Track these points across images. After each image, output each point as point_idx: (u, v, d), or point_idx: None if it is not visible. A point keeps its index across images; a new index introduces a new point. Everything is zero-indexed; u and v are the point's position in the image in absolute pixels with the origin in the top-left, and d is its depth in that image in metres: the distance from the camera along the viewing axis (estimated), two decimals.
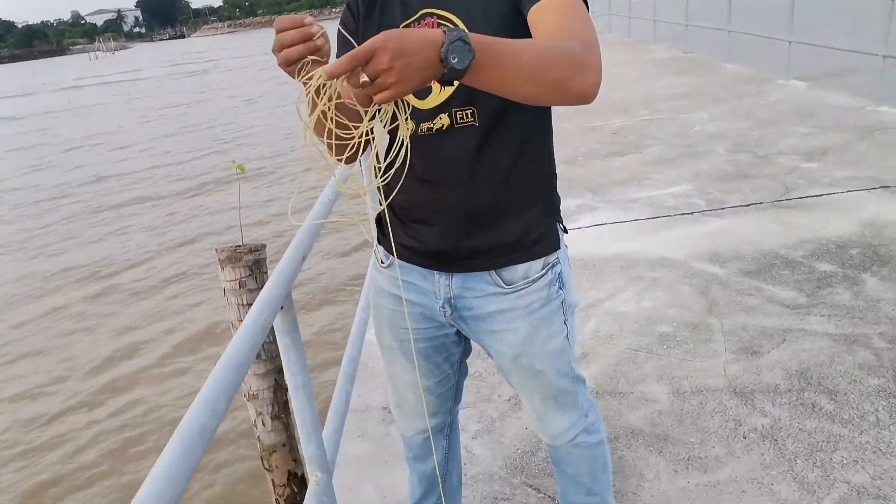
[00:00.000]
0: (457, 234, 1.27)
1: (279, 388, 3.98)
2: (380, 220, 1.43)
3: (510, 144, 1.23)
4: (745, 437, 2.09)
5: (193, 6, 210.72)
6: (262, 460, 3.14)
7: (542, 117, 1.28)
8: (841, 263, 3.08)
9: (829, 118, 5.64)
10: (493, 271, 1.30)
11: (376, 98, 0.86)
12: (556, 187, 1.35)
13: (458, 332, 1.46)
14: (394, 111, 0.96)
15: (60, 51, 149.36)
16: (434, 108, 1.20)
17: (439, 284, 1.33)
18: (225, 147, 14.56)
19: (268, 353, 3.82)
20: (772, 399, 2.24)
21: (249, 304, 3.70)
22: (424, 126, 1.21)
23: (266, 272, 3.84)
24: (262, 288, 4.03)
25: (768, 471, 1.94)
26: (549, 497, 1.98)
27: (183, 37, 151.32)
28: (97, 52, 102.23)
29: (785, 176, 4.35)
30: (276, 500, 3.19)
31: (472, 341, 1.51)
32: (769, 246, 3.35)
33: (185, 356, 5.65)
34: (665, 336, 2.70)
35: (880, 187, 3.93)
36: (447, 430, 1.69)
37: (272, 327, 1.40)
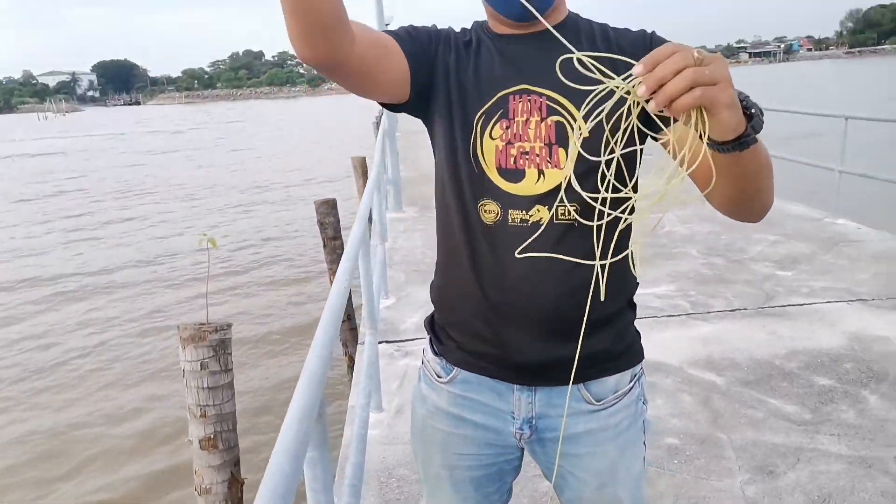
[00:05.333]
0: (547, 342, 1.10)
1: (234, 483, 3.61)
2: (433, 324, 1.26)
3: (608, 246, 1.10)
4: None
5: (151, 75, 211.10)
6: None
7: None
8: (838, 378, 3.05)
9: (791, 227, 5.84)
10: (582, 385, 1.14)
11: (694, 97, 0.75)
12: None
13: (520, 457, 1.27)
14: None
15: (8, 110, 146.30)
16: (531, 196, 1.05)
17: (520, 402, 1.15)
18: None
19: (225, 443, 3.47)
20: None
21: (210, 388, 3.39)
22: (516, 216, 1.06)
23: (230, 353, 3.55)
24: (225, 370, 3.71)
25: None
26: None
27: (138, 104, 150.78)
28: (46, 113, 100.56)
29: (762, 283, 4.41)
30: None
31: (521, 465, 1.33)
32: (762, 355, 3.31)
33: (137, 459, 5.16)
34: (674, 449, 2.56)
35: (857, 300, 4.01)
36: None
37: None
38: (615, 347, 1.15)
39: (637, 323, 1.22)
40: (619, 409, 1.17)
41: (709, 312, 3.91)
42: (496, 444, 1.21)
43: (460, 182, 1.09)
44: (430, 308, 1.26)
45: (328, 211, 7.60)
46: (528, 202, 1.05)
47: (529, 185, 1.05)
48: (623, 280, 1.14)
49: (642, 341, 1.23)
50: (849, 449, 2.49)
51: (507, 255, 1.08)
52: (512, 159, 1.06)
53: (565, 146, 1.03)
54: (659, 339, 3.47)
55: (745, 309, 3.94)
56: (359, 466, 1.87)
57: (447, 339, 1.20)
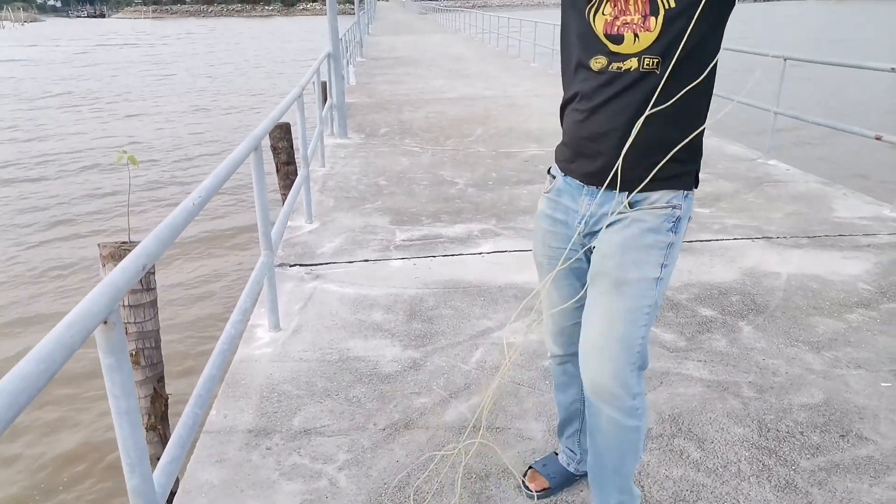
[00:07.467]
0: (615, 161, 1.46)
1: (158, 398, 3.69)
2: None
3: (677, 95, 1.39)
4: None
5: None
6: None
7: (708, 79, 1.42)
8: (721, 309, 3.18)
9: (723, 167, 5.93)
10: (626, 195, 1.49)
11: None
12: (701, 143, 1.53)
13: (583, 260, 1.63)
14: None
15: None
16: (627, 54, 1.41)
17: (583, 203, 1.57)
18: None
19: (148, 360, 3.53)
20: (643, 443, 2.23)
21: (132, 306, 3.42)
22: (615, 65, 1.43)
23: (153, 272, 3.56)
24: (147, 289, 3.72)
25: None
26: None
27: (103, 16, 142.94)
28: (3, 23, 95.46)
29: None
30: None
31: None
32: None
33: None
34: (549, 371, 2.67)
35: (762, 237, 4.13)
36: None
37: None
38: (658, 174, 1.46)
39: None
40: (642, 214, 1.50)
41: None
42: (570, 237, 1.62)
43: (584, 41, 1.47)
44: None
45: (282, 135, 7.45)
46: (622, 57, 1.42)
47: (627, 47, 1.40)
48: (687, 126, 1.45)
49: None
50: (710, 374, 2.64)
51: (602, 91, 1.46)
52: (615, 28, 1.41)
53: (656, 15, 1.36)
54: None
55: None
56: (210, 379, 1.92)
57: (561, 149, 1.64)
